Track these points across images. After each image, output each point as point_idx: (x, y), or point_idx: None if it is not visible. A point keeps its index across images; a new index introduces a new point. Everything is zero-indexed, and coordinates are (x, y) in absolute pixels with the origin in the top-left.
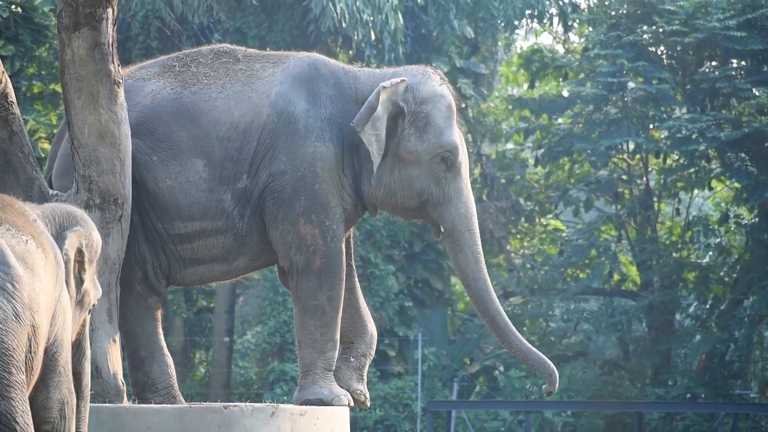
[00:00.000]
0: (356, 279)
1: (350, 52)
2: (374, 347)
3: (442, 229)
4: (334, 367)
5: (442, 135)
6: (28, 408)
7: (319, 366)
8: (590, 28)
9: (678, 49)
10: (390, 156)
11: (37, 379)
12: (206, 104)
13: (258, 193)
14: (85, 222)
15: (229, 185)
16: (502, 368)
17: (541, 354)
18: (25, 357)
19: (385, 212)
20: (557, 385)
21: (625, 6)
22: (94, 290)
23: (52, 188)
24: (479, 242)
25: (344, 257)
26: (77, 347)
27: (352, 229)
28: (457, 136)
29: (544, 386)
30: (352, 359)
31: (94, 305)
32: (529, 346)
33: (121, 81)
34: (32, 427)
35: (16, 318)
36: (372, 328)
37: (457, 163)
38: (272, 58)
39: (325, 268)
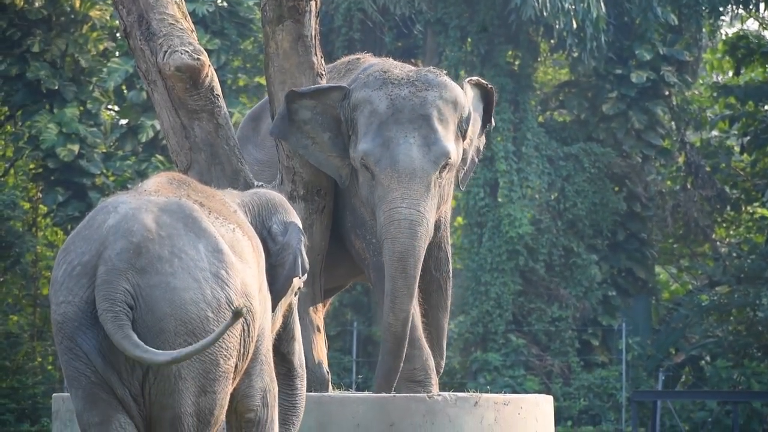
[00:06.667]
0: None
1: (552, 41)
2: None
3: None
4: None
5: (360, 142)
6: (227, 402)
7: None
8: None
9: None
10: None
11: None
12: None
13: None
14: (285, 209)
15: None
16: (708, 358)
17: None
18: (240, 343)
19: None
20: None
21: None
22: None
23: None
24: (402, 256)
25: None
26: (285, 330)
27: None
28: (374, 141)
29: None
30: None
31: (299, 289)
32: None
33: (323, 73)
34: (222, 418)
35: (229, 305)
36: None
37: (375, 170)
38: None
39: None
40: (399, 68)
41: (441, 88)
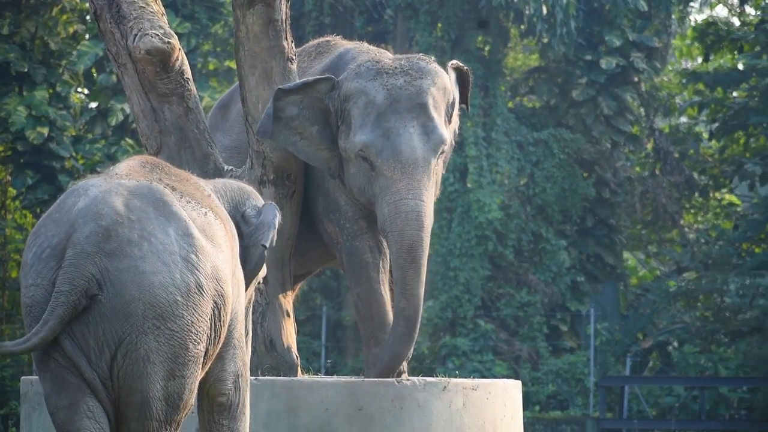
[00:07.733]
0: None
1: (522, 27)
2: None
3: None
4: None
5: (356, 134)
6: (196, 386)
7: None
8: (767, 0)
9: None
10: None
11: None
12: None
13: None
14: (257, 196)
15: None
16: (675, 343)
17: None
18: (211, 327)
19: None
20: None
21: None
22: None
23: None
24: (411, 248)
25: None
26: None
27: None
28: (374, 133)
29: None
30: None
31: (260, 283)
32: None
33: (294, 57)
34: (191, 402)
35: (198, 290)
36: None
37: (376, 161)
38: None
39: None
40: (384, 56)
41: (434, 76)
